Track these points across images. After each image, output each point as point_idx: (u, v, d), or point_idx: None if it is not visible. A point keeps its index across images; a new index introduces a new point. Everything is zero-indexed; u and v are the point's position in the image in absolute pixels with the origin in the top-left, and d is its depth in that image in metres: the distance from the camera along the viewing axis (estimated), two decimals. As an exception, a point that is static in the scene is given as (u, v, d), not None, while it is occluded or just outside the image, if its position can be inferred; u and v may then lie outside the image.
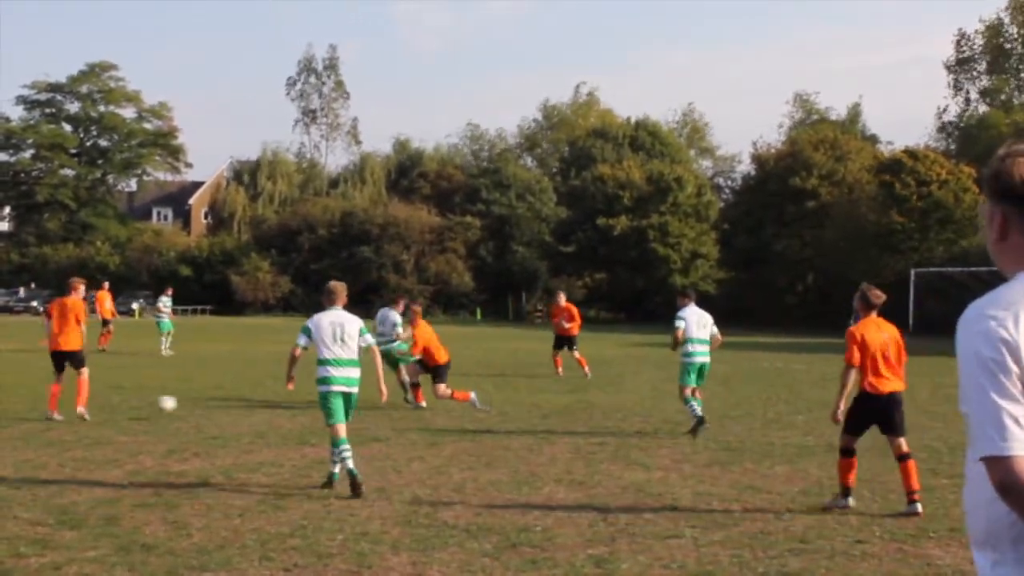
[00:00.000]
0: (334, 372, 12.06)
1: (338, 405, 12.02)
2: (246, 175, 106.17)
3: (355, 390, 12.21)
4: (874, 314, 11.38)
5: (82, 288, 19.23)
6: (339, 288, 12.58)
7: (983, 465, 2.87)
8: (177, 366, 30.26)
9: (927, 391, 24.61)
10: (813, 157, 74.75)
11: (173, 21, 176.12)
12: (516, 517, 10.50)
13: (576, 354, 27.94)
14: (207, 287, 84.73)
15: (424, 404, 20.23)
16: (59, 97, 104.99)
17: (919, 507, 10.87)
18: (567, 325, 28.19)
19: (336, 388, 12.05)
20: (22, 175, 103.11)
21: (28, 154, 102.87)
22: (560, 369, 28.00)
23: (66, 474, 12.64)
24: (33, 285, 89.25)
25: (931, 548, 9.43)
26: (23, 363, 29.09)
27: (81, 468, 13.03)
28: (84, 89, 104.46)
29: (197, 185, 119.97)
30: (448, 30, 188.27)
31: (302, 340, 12.27)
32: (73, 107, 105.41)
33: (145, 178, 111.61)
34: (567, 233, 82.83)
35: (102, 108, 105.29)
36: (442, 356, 20.24)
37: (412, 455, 14.38)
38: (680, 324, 17.32)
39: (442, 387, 19.87)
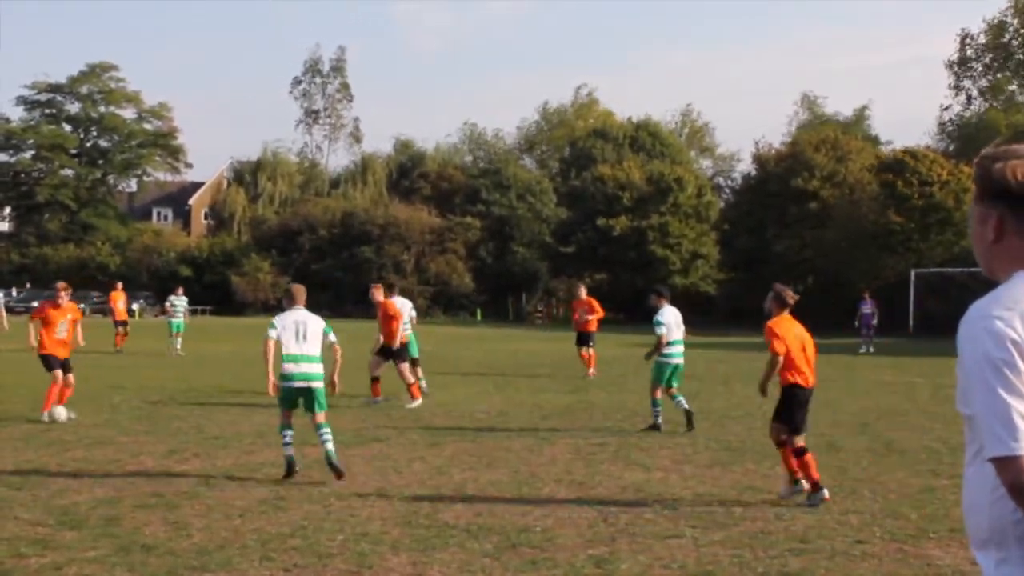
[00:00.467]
0: (293, 368, 12.60)
1: (293, 399, 12.68)
2: (246, 175, 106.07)
3: (317, 384, 12.70)
4: (787, 312, 11.74)
5: (63, 296, 18.75)
6: (299, 290, 13.22)
7: (988, 465, 2.86)
8: (178, 367, 30.29)
9: (928, 391, 24.65)
10: (814, 158, 74.69)
11: (173, 21, 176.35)
12: (516, 517, 10.51)
13: (591, 351, 27.96)
14: (207, 287, 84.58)
15: (381, 399, 20.62)
16: (59, 98, 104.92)
17: (826, 492, 11.29)
18: (588, 318, 28.15)
19: (296, 384, 12.62)
20: (22, 176, 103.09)
21: (28, 155, 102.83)
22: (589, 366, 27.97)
23: (67, 474, 12.64)
24: (28, 285, 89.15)
25: (931, 548, 9.43)
26: (24, 363, 29.08)
27: (82, 468, 13.04)
28: (84, 90, 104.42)
29: (197, 185, 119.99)
30: (448, 30, 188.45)
31: (272, 333, 12.76)
32: (73, 108, 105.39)
33: (145, 179, 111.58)
34: (567, 234, 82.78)
35: (102, 108, 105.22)
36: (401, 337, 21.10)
37: (413, 455, 14.39)
38: (662, 330, 17.35)
39: (405, 366, 20.82)
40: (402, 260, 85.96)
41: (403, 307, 22.49)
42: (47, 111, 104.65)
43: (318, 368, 12.78)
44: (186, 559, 8.89)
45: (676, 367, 17.51)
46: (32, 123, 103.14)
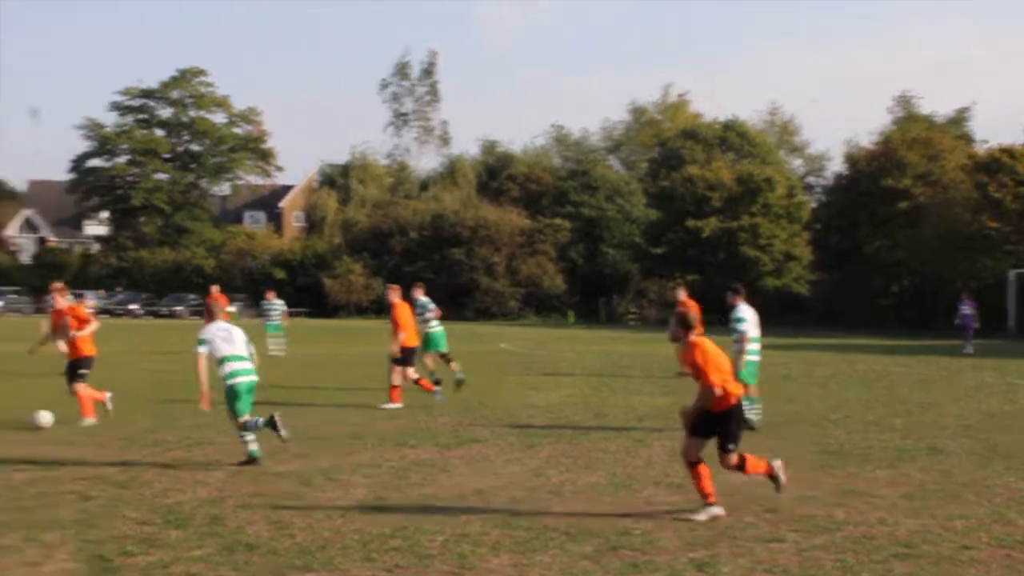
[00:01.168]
0: (236, 366, 13.74)
1: (246, 397, 13.68)
2: (337, 178, 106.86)
3: (255, 379, 13.93)
4: (695, 334, 11.11)
5: (57, 299, 18.33)
6: (217, 306, 14.64)
7: None
8: (274, 368, 30.54)
9: (1029, 394, 24.21)
10: (907, 156, 73.72)
11: (262, 26, 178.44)
12: (615, 520, 10.48)
13: None
14: (301, 290, 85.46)
15: (438, 390, 20.93)
16: (151, 103, 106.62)
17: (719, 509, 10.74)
18: None
19: (245, 379, 13.72)
20: (118, 180, 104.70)
21: (123, 159, 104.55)
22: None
23: (170, 474, 12.82)
24: (119, 289, 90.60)
25: (1041, 554, 9.26)
26: (126, 365, 29.58)
27: (184, 468, 13.23)
28: (175, 94, 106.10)
29: (288, 188, 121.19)
30: (534, 31, 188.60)
31: (203, 348, 13.77)
32: (165, 112, 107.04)
33: (237, 182, 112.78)
34: (657, 235, 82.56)
35: (193, 113, 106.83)
36: (412, 340, 21.14)
37: (510, 457, 14.40)
38: (744, 326, 17.34)
39: (411, 371, 20.86)
40: (493, 262, 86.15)
41: (425, 306, 23.34)
42: (140, 116, 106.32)
43: (252, 365, 13.96)
44: (289, 558, 8.98)
45: (756, 364, 17.56)
46: (126, 128, 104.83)
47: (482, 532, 9.95)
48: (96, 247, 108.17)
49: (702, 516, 10.58)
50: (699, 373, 10.74)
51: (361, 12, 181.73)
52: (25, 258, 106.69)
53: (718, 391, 10.56)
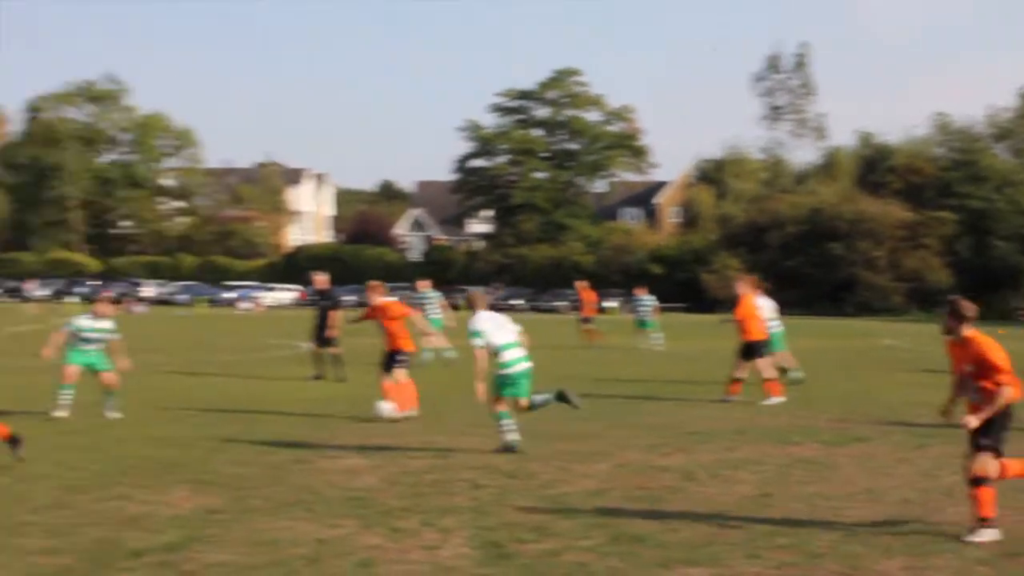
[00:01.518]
0: (511, 355, 14.12)
1: (523, 382, 14.11)
2: (711, 173, 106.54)
3: (530, 365, 14.27)
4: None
5: (374, 296, 19.07)
6: (479, 296, 14.89)
7: None
8: (649, 363, 30.79)
9: None
10: None
11: (633, 25, 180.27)
12: (1013, 525, 9.94)
13: None
14: (678, 285, 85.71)
15: (736, 397, 20.37)
16: (528, 103, 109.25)
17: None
18: None
19: (519, 368, 14.11)
20: (498, 179, 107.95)
21: (503, 159, 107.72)
22: None
23: (556, 466, 13.10)
24: (499, 285, 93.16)
25: None
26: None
27: (571, 460, 13.47)
28: (551, 95, 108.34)
29: (662, 184, 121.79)
30: (912, 19, 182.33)
31: (479, 341, 14.10)
32: (542, 112, 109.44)
33: (612, 179, 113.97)
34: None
35: (569, 112, 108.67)
36: (757, 333, 20.86)
37: (898, 456, 13.97)
38: None
39: (744, 367, 20.63)
40: (874, 256, 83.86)
41: (765, 305, 22.63)
42: (518, 117, 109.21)
43: (525, 352, 14.32)
44: (674, 552, 9.02)
45: None
46: (505, 129, 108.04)
47: (872, 533, 9.71)
48: (478, 244, 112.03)
49: (979, 538, 9.48)
50: (983, 370, 9.77)
51: (738, 6, 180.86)
52: (414, 255, 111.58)
53: (1012, 391, 9.54)
